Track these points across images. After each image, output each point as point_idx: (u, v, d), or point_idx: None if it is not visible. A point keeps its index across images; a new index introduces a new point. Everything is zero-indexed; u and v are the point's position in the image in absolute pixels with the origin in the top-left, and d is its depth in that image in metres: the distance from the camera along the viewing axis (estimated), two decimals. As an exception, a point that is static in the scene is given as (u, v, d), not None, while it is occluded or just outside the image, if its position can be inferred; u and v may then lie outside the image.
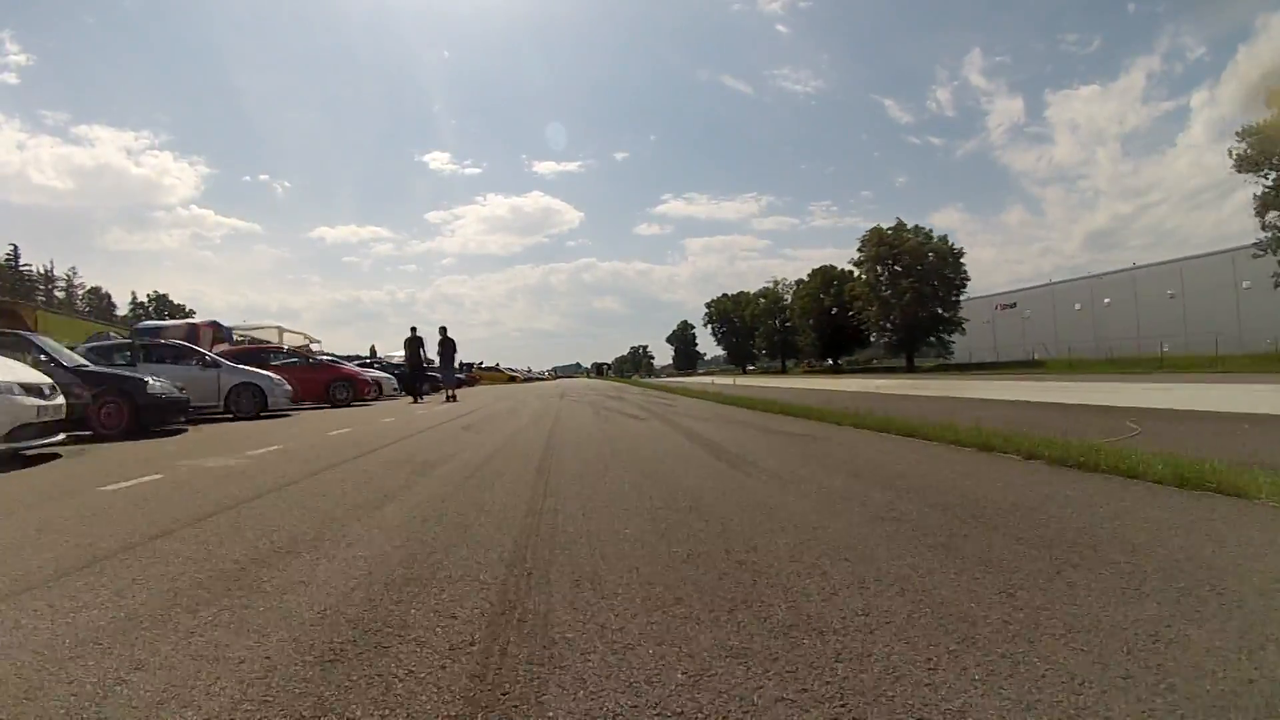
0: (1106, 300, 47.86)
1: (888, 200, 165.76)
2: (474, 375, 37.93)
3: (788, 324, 78.17)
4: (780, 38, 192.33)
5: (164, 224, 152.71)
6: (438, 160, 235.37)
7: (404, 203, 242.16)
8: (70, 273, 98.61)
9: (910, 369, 54.50)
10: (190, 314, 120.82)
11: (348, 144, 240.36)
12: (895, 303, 51.91)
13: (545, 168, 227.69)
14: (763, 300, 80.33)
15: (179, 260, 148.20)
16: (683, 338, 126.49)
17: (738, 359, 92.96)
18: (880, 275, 54.68)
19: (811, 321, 68.36)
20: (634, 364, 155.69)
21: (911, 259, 52.86)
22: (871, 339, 71.11)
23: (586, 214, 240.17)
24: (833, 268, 69.13)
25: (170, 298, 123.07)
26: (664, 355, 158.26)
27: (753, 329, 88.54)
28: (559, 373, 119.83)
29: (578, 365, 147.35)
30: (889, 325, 55.49)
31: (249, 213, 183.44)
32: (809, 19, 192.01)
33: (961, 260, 52.86)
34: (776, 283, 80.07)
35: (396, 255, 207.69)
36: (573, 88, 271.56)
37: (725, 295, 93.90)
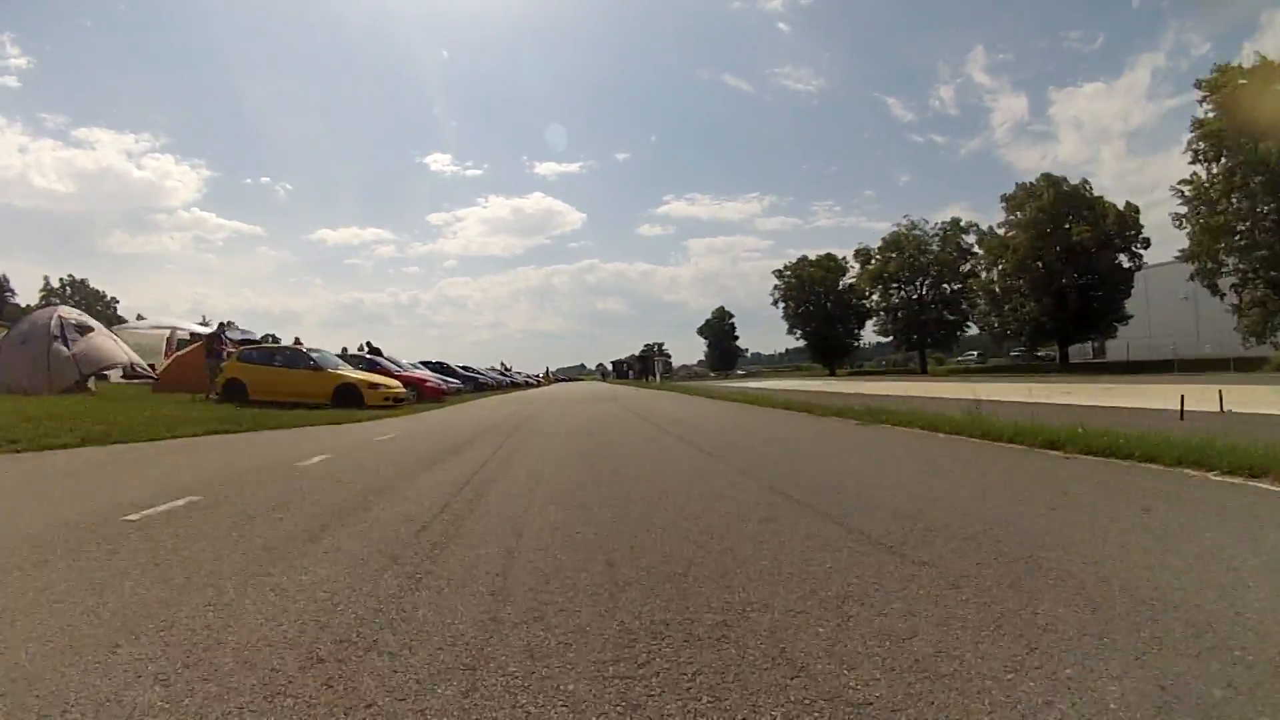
0: None
1: (891, 199, 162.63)
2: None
3: (936, 293, 46.93)
4: (781, 36, 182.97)
5: (166, 227, 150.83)
6: (438, 162, 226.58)
7: (405, 204, 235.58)
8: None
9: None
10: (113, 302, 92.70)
11: (348, 145, 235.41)
12: None
13: (546, 169, 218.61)
14: (892, 257, 48.56)
15: (181, 263, 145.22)
16: (719, 330, 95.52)
17: (825, 354, 61.66)
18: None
19: (1023, 282, 37.19)
20: (648, 365, 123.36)
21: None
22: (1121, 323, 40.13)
23: (588, 215, 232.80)
24: (1062, 180, 37.99)
25: (88, 283, 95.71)
26: (679, 354, 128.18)
27: (858, 308, 57.51)
28: (559, 375, 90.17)
29: (582, 366, 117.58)
30: None
31: (251, 215, 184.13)
32: (810, 16, 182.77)
33: None
34: (912, 225, 48.57)
35: (399, 257, 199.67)
36: (573, 88, 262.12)
37: (805, 259, 62.53)
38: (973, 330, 49.31)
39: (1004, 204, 40.47)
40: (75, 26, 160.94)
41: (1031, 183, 39.29)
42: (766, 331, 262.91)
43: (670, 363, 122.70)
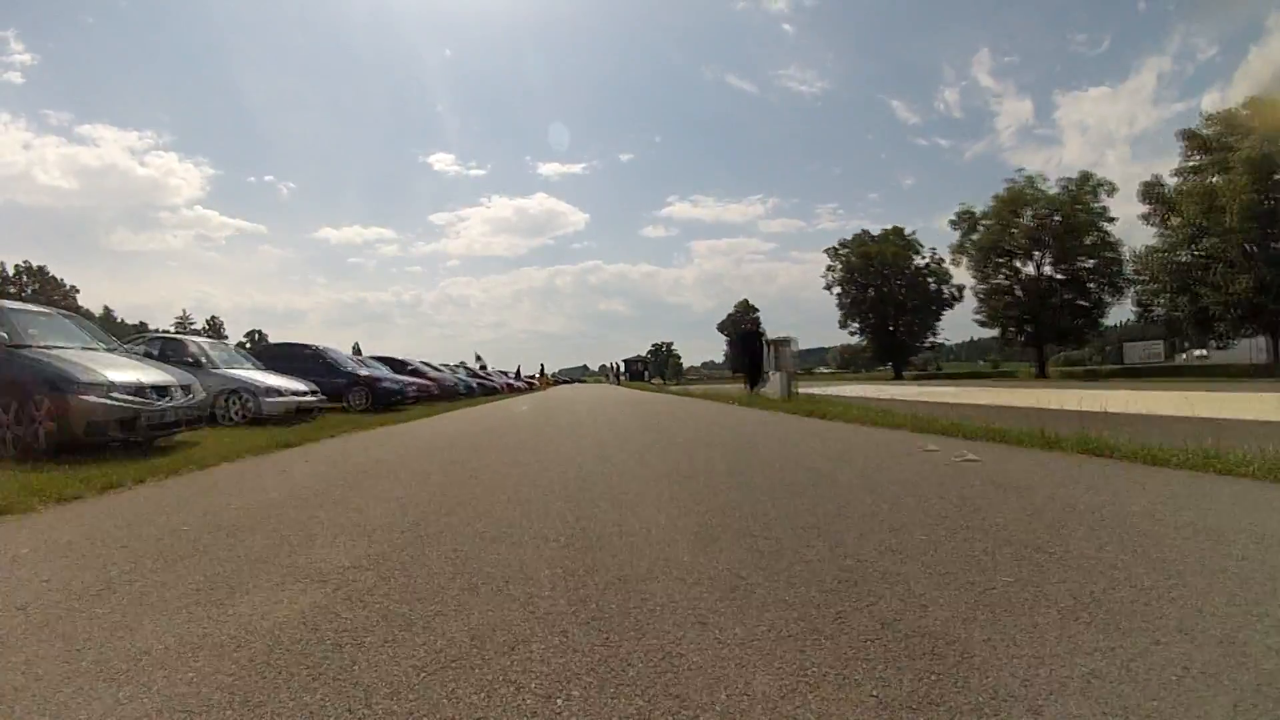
0: None
1: (894, 202, 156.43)
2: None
3: (1064, 269, 35.29)
4: (786, 37, 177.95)
5: (169, 224, 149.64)
6: (441, 161, 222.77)
7: (408, 204, 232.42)
8: None
9: None
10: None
11: (351, 145, 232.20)
12: None
13: (550, 169, 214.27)
14: (1009, 221, 36.72)
15: (184, 261, 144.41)
16: (742, 325, 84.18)
17: (891, 351, 50.14)
18: None
19: (1231, 247, 25.73)
20: (658, 365, 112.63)
21: None
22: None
23: (592, 216, 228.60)
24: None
25: (48, 269, 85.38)
26: (684, 355, 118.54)
27: (935, 295, 46.20)
28: (561, 376, 79.63)
29: (584, 368, 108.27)
30: None
31: (254, 213, 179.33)
32: (814, 17, 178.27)
33: None
34: (1028, 181, 36.98)
35: (402, 256, 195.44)
36: (576, 87, 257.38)
37: (865, 234, 50.89)
38: (1108, 318, 37.76)
39: (1183, 142, 29.07)
40: (78, 24, 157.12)
41: (1227, 111, 27.92)
42: (770, 331, 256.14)
43: (682, 364, 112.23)
